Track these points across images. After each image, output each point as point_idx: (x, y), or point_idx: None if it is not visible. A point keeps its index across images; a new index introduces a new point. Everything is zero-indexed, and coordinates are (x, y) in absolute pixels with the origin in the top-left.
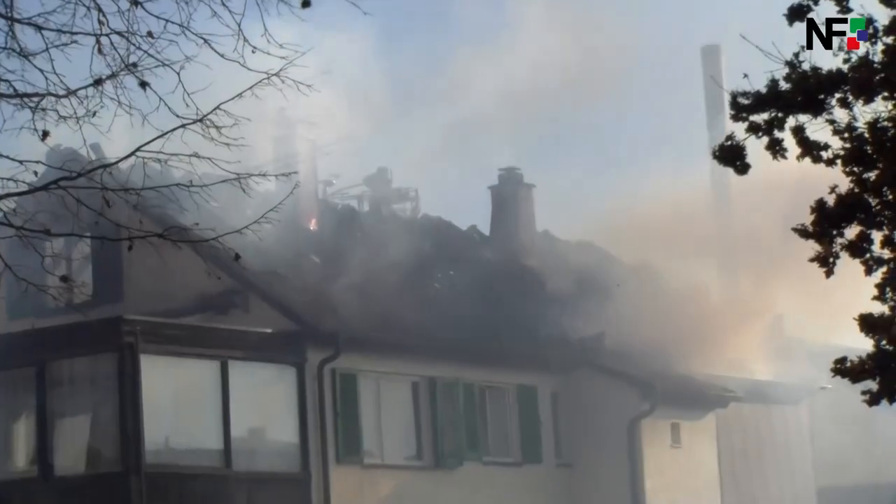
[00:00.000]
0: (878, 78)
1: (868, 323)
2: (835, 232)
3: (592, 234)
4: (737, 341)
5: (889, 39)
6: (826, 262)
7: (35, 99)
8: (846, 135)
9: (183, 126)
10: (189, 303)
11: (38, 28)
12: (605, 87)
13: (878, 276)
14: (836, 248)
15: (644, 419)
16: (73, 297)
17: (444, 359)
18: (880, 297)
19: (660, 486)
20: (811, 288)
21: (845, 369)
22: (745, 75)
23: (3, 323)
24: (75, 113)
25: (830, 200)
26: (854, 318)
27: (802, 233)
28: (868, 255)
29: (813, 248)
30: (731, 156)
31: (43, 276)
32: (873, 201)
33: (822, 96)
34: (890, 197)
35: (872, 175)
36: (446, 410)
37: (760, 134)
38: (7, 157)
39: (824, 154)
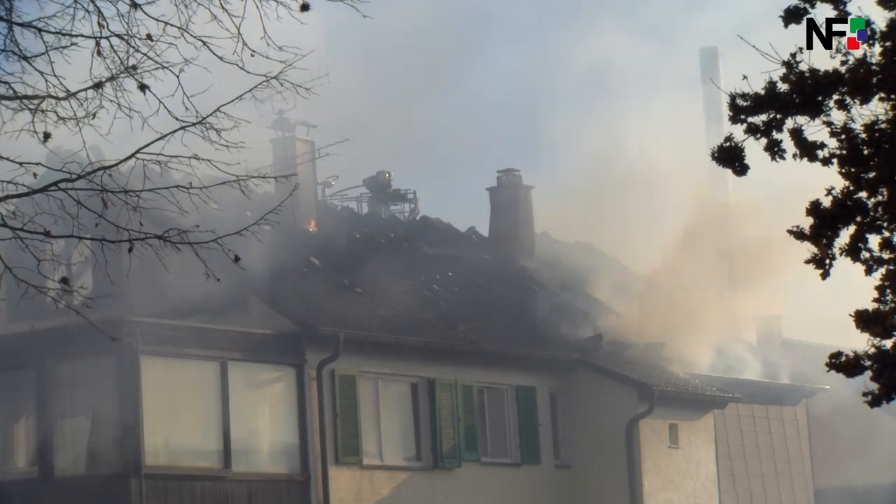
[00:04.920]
0: (875, 79)
1: (864, 319)
2: (830, 233)
3: (591, 235)
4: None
5: (887, 43)
6: (822, 264)
7: (35, 101)
8: (843, 136)
9: (182, 128)
10: (189, 304)
11: (38, 31)
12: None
13: (877, 277)
14: (833, 249)
15: (642, 420)
16: (72, 299)
17: (443, 360)
18: (880, 299)
19: (658, 487)
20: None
21: (840, 364)
22: (745, 77)
23: (4, 324)
24: (75, 115)
25: (826, 202)
26: (850, 315)
27: (798, 235)
28: (868, 256)
29: (809, 250)
30: (730, 157)
31: (43, 278)
32: (870, 202)
33: (819, 97)
34: (885, 197)
35: (869, 175)
36: (445, 411)
37: (759, 135)
38: (7, 158)
39: (820, 153)
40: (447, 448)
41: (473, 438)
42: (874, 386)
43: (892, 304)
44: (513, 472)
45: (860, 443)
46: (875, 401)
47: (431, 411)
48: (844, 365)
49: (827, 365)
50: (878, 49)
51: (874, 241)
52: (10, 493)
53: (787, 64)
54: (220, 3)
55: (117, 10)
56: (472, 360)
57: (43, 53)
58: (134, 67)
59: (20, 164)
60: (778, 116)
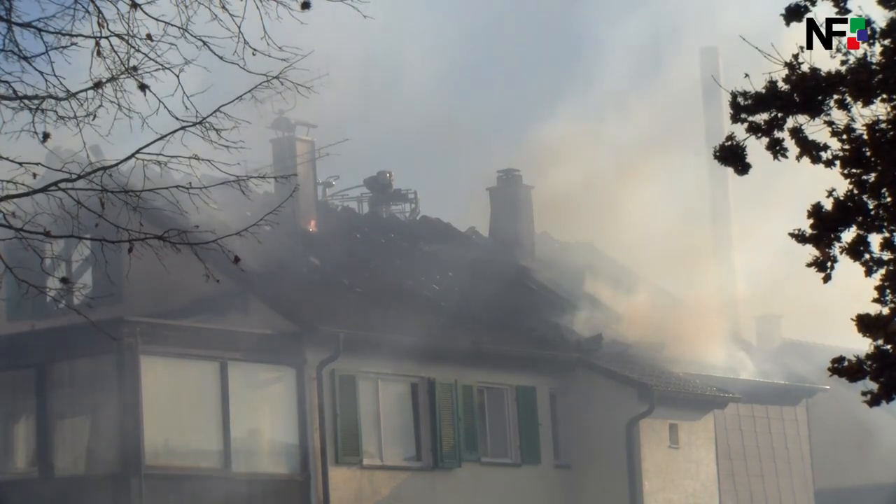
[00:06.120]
0: (876, 80)
1: (865, 323)
2: (832, 236)
3: (591, 235)
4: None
5: (886, 41)
6: (824, 266)
7: (35, 101)
8: (844, 137)
9: (183, 128)
10: (189, 304)
11: (38, 31)
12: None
13: (877, 277)
14: (835, 251)
15: (642, 420)
16: (73, 299)
17: (443, 360)
18: (880, 299)
19: (658, 487)
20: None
21: (842, 369)
22: (746, 75)
23: (4, 324)
24: (75, 115)
25: (827, 204)
26: (851, 319)
27: (799, 237)
28: (868, 256)
29: (811, 252)
30: (732, 156)
31: (43, 278)
32: (871, 204)
33: (820, 97)
34: (888, 199)
35: (871, 177)
36: (445, 411)
37: (760, 134)
38: (7, 158)
39: (823, 155)
40: (447, 448)
41: (473, 438)
42: (874, 386)
43: (893, 305)
44: (513, 472)
45: (860, 443)
46: (875, 400)
47: (431, 411)
48: (847, 370)
49: (829, 370)
50: (878, 49)
51: (875, 240)
52: (10, 493)
53: (789, 65)
54: (221, 3)
55: (117, 10)
56: (472, 360)
57: (43, 53)
58: (134, 68)
59: (20, 164)
60: (779, 115)
